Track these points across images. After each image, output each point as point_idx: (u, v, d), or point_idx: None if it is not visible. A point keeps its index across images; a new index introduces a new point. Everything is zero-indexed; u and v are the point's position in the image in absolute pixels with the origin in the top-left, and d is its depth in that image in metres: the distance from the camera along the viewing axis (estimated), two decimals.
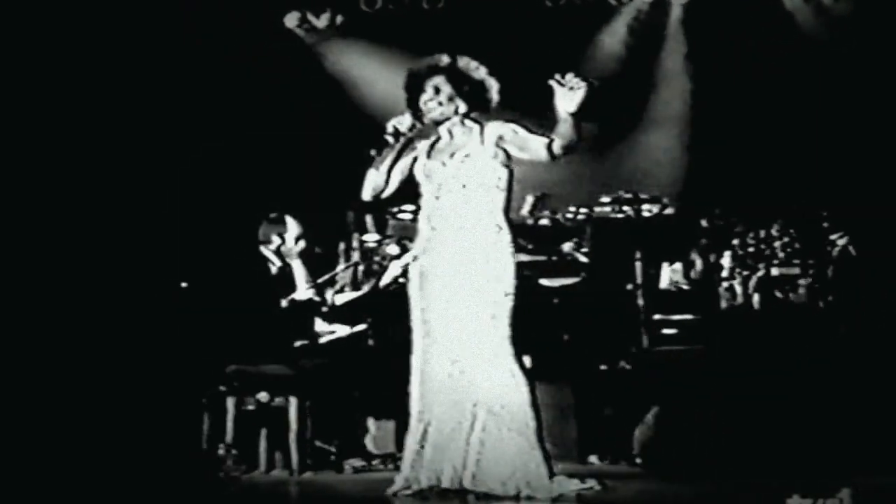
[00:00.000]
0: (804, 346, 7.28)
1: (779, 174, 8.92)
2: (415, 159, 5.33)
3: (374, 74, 9.40)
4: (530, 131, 5.30)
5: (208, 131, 8.62)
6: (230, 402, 6.63)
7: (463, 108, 5.29)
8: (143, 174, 8.32)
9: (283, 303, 6.84)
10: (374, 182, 5.32)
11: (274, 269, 6.95)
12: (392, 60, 8.88)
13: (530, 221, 7.84)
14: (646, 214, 7.58)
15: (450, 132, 5.32)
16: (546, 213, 8.01)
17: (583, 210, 8.00)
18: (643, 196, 7.67)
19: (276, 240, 6.98)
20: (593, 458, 7.00)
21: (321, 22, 9.80)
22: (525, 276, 7.04)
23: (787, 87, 9.13)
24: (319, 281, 7.12)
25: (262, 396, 6.65)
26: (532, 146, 5.26)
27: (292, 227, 7.01)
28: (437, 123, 5.31)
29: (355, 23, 9.75)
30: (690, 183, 9.01)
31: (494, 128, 5.29)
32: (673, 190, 8.60)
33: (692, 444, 6.31)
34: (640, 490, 5.79)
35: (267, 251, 6.98)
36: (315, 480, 6.49)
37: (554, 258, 7.38)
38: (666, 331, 7.41)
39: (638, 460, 6.60)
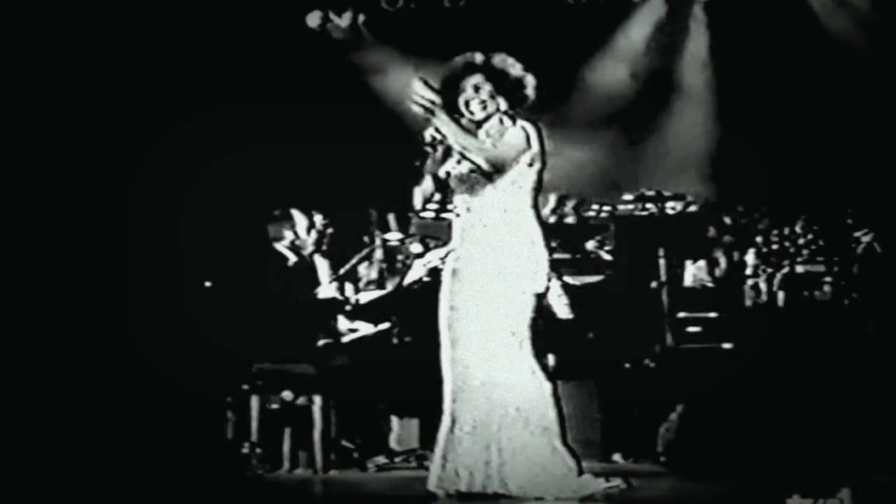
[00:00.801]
0: (829, 344, 7.23)
1: (803, 171, 8.89)
2: (440, 164, 5.28)
3: (396, 73, 9.40)
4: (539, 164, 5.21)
5: (231, 130, 8.62)
6: (254, 401, 6.63)
7: (504, 105, 5.21)
8: (166, 174, 8.32)
9: (306, 299, 6.83)
10: (424, 191, 5.31)
11: (290, 264, 6.95)
12: (414, 59, 8.88)
13: (553, 220, 7.82)
14: (669, 212, 7.54)
15: (488, 133, 5.23)
16: (567, 211, 8.00)
17: (606, 208, 7.99)
18: (667, 193, 7.64)
19: (288, 235, 6.99)
20: (617, 457, 6.98)
21: (343, 21, 9.81)
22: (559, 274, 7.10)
23: (811, 83, 9.09)
24: (340, 273, 7.12)
25: (287, 395, 6.65)
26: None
27: (300, 219, 7.02)
28: (478, 124, 5.23)
29: (377, 22, 9.76)
30: (713, 180, 8.98)
31: (520, 129, 5.20)
32: (696, 187, 8.59)
33: (716, 442, 6.28)
34: (664, 489, 5.77)
35: (282, 248, 6.99)
36: (339, 479, 6.50)
37: (578, 256, 7.36)
38: (690, 329, 7.37)
39: (662, 459, 6.57)
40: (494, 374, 5.12)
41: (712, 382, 6.88)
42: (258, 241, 7.10)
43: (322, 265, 7.06)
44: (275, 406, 6.67)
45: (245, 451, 6.59)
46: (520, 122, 5.19)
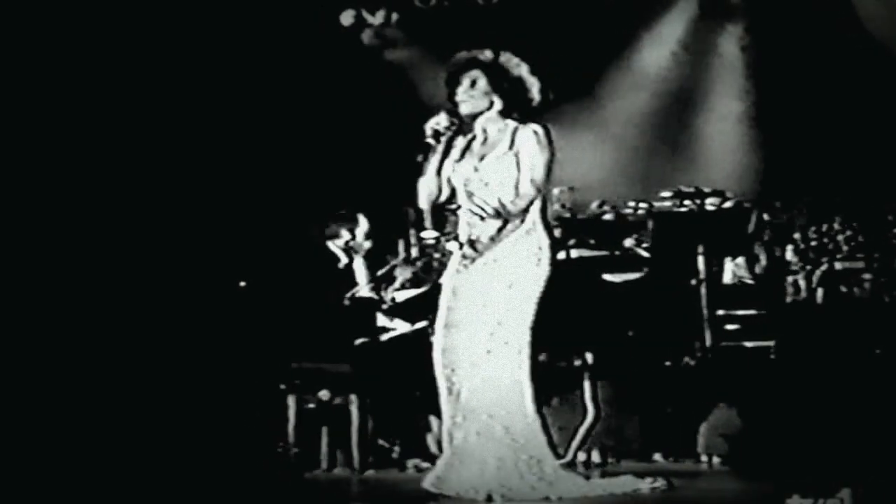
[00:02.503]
0: (869, 342, 7.15)
1: (842, 167, 8.81)
2: (444, 159, 5.19)
3: (428, 70, 9.37)
4: (545, 164, 5.12)
5: (266, 129, 8.62)
6: (291, 401, 6.60)
7: (499, 104, 5.14)
8: (207, 173, 8.33)
9: (345, 300, 6.81)
10: (428, 189, 5.21)
11: (341, 265, 6.93)
12: (447, 57, 8.82)
13: (572, 215, 7.74)
14: (709, 208, 7.47)
15: (484, 130, 5.18)
16: (605, 209, 7.94)
17: (643, 205, 7.92)
18: (705, 190, 7.56)
19: (345, 235, 6.95)
20: (657, 456, 6.92)
21: (376, 19, 9.80)
22: (588, 272, 7.05)
23: (849, 79, 9.02)
24: (378, 274, 7.09)
25: (324, 394, 6.62)
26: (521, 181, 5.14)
27: (363, 223, 6.99)
28: (472, 118, 5.18)
29: (410, 20, 9.73)
30: (751, 177, 8.92)
31: (525, 133, 5.13)
32: (734, 184, 8.51)
33: (759, 441, 6.23)
34: (703, 489, 5.69)
35: (334, 247, 6.96)
36: (377, 479, 6.46)
37: (617, 253, 7.30)
38: (730, 326, 7.30)
39: (704, 458, 6.52)
40: (482, 381, 5.05)
41: (753, 381, 6.86)
42: (298, 240, 7.08)
43: (359, 265, 7.02)
44: (312, 405, 6.65)
45: (282, 450, 6.56)
46: (530, 126, 5.12)
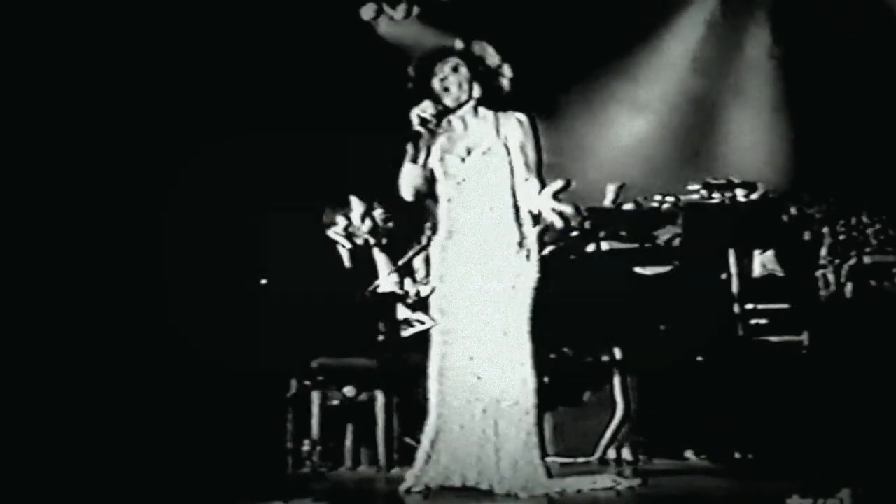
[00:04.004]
0: None
1: (871, 159, 8.70)
2: (429, 149, 5.16)
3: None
4: (535, 150, 5.10)
5: (282, 123, 8.53)
6: (315, 397, 6.52)
7: (477, 93, 5.12)
8: (221, 169, 8.23)
9: (366, 292, 6.70)
10: (414, 180, 5.17)
11: (345, 253, 6.81)
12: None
13: (611, 208, 7.63)
14: (740, 200, 7.35)
15: (463, 121, 5.14)
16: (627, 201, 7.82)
17: (669, 198, 7.79)
18: (736, 181, 7.46)
19: (341, 221, 6.85)
20: (689, 454, 6.80)
21: (398, 13, 9.71)
22: (618, 265, 6.95)
23: (877, 70, 8.89)
24: (399, 264, 6.99)
25: (349, 391, 6.53)
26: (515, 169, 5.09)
27: (356, 205, 6.88)
28: (451, 111, 5.13)
29: (432, 13, 9.64)
30: (779, 168, 8.80)
31: (510, 122, 5.12)
32: (761, 176, 8.40)
33: (793, 439, 6.14)
34: (703, 488, 5.61)
35: (334, 234, 6.85)
36: (403, 476, 6.33)
37: (647, 246, 7.19)
38: (761, 321, 7.18)
39: (737, 455, 6.42)
40: (485, 370, 5.02)
41: (784, 377, 6.75)
42: (318, 235, 6.98)
43: (381, 259, 6.92)
44: (336, 402, 6.57)
45: (306, 448, 6.49)
46: (512, 114, 5.10)
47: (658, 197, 7.83)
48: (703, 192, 7.44)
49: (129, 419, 6.62)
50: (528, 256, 5.06)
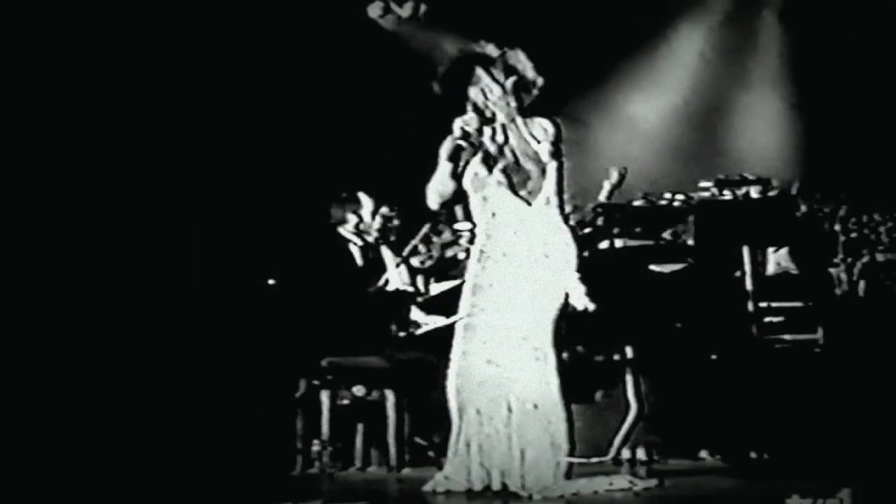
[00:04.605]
0: None
1: (883, 157, 8.65)
2: (467, 163, 5.09)
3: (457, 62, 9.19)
4: (557, 156, 5.07)
5: (291, 121, 8.48)
6: (325, 397, 6.43)
7: (514, 104, 5.07)
8: (229, 168, 8.20)
9: (374, 289, 6.63)
10: (442, 191, 5.11)
11: (356, 250, 6.73)
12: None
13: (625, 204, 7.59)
14: (753, 196, 7.28)
15: (504, 130, 5.08)
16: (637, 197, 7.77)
17: (679, 196, 7.73)
18: (749, 177, 7.39)
19: (352, 218, 6.78)
20: (704, 454, 6.73)
21: (405, 11, 9.65)
22: (632, 262, 6.88)
23: (888, 65, 8.82)
24: (404, 254, 6.92)
25: (358, 390, 6.45)
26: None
27: (366, 202, 6.80)
28: (489, 121, 5.07)
29: (439, 11, 9.59)
30: (791, 166, 8.74)
31: (539, 129, 5.08)
32: (772, 174, 8.34)
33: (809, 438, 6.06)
34: (701, 488, 5.54)
35: (345, 232, 6.77)
36: (414, 477, 6.25)
37: (661, 243, 7.12)
38: (775, 319, 7.11)
39: (753, 455, 6.35)
40: (506, 371, 5.01)
41: (799, 376, 6.68)
42: (327, 232, 6.91)
43: (389, 256, 6.85)
44: (346, 402, 6.48)
45: (316, 448, 6.42)
46: (538, 120, 5.06)
47: (667, 195, 7.78)
48: (716, 189, 7.37)
49: (136, 420, 6.61)
50: (564, 256, 5.01)
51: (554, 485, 4.92)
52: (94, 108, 7.82)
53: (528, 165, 5.04)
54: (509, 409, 4.99)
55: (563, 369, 5.02)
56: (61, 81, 7.68)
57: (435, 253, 7.38)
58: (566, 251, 5.02)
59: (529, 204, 5.03)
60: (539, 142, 5.04)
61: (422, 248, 7.33)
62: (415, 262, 7.20)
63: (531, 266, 5.01)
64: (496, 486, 4.99)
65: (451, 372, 5.11)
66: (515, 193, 5.07)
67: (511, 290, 5.01)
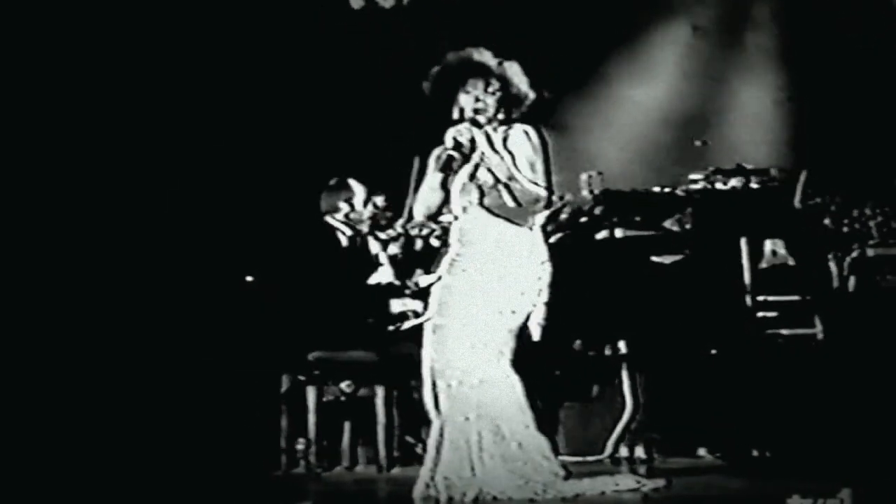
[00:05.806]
0: None
1: (876, 151, 8.58)
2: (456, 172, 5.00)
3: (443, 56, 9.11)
4: (543, 162, 4.96)
5: (275, 115, 8.36)
6: (311, 393, 6.28)
7: (502, 116, 4.96)
8: (213, 162, 8.10)
9: (365, 283, 6.48)
10: (429, 201, 5.04)
11: (344, 241, 6.57)
12: (462, 43, 8.57)
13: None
14: (753, 186, 7.19)
15: (492, 140, 4.97)
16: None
17: (668, 189, 7.62)
18: (748, 167, 7.30)
19: (343, 207, 6.60)
20: (702, 451, 6.62)
21: (387, 2, 9.56)
22: (628, 254, 6.77)
23: (881, 59, 8.76)
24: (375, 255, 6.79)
25: (346, 386, 6.31)
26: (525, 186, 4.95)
27: (359, 190, 6.63)
28: (480, 130, 4.96)
29: (423, 3, 9.50)
30: (782, 159, 8.67)
31: (517, 135, 4.97)
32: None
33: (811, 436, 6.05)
34: (702, 487, 5.43)
35: (335, 221, 6.60)
36: (403, 476, 6.07)
37: (658, 233, 7.01)
38: (772, 313, 7.02)
39: (755, 452, 6.24)
40: (471, 378, 4.90)
41: (796, 371, 6.59)
42: (312, 224, 6.76)
43: (378, 247, 6.70)
44: (333, 398, 6.36)
45: (301, 447, 6.31)
46: (519, 126, 4.97)
47: (657, 189, 7.68)
48: (711, 179, 7.28)
49: (118, 419, 6.54)
50: (542, 264, 4.93)
51: (553, 487, 4.78)
52: (76, 98, 7.77)
53: (515, 177, 4.94)
54: (479, 415, 4.87)
55: (524, 369, 4.90)
56: (48, 74, 7.65)
57: (399, 230, 7.22)
58: (542, 274, 4.94)
59: (511, 221, 4.96)
60: (526, 153, 4.95)
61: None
62: (382, 235, 7.02)
63: (499, 282, 4.93)
64: (471, 495, 4.84)
65: (426, 371, 5.02)
66: (499, 207, 4.96)
67: (475, 304, 4.93)
